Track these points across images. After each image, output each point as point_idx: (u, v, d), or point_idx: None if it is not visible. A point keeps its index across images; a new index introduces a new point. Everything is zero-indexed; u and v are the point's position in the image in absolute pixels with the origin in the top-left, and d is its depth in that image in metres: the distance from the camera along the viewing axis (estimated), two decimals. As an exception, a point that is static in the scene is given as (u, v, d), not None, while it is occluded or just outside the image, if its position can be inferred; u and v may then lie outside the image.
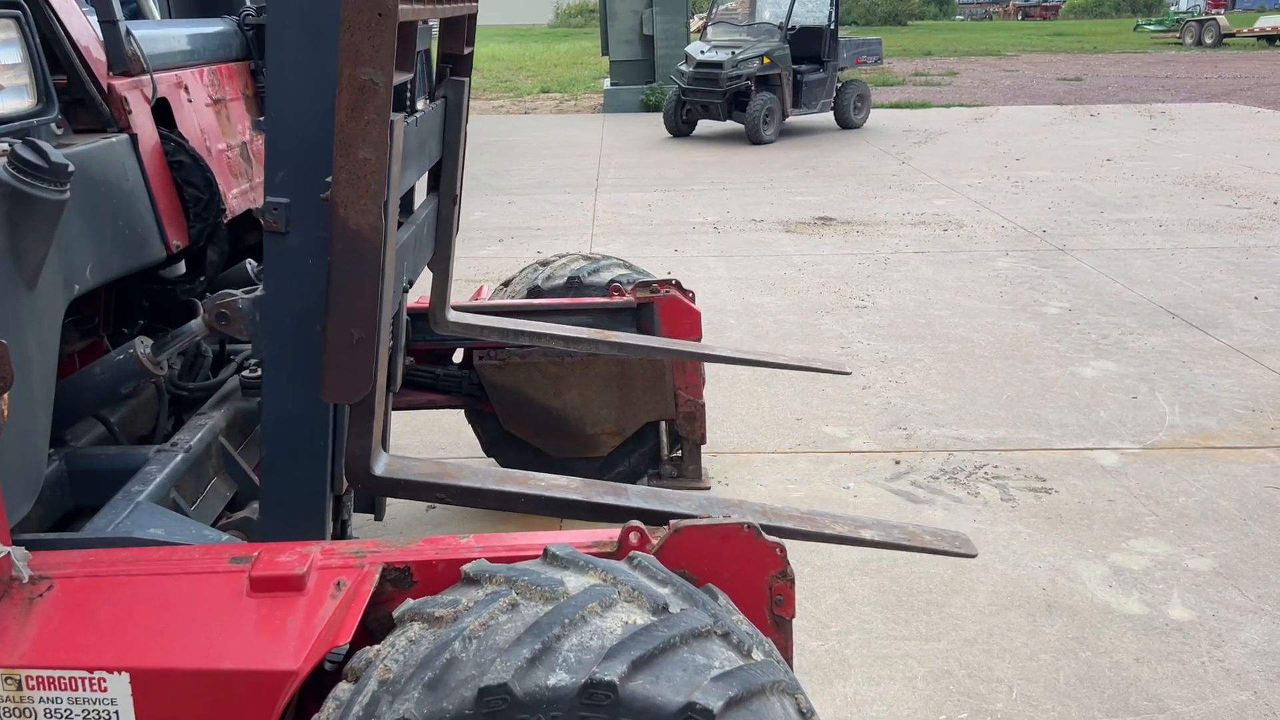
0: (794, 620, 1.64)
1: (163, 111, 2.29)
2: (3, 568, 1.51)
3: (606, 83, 17.84)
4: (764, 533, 1.58)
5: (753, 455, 4.02)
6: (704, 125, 13.71)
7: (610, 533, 1.62)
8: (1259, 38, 29.97)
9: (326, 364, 1.67)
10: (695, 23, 18.67)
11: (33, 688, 1.43)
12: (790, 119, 13.27)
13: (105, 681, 1.42)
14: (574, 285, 3.41)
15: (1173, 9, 37.95)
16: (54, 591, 1.52)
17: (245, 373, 2.46)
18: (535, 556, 1.52)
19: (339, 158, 1.54)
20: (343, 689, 1.37)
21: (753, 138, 12.63)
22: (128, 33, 2.16)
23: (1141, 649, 2.79)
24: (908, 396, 4.57)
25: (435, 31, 2.39)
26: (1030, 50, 30.16)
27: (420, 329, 3.10)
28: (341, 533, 2.21)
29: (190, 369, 2.62)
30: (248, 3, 2.84)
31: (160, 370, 2.15)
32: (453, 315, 2.82)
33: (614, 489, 1.89)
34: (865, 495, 3.68)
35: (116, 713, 1.42)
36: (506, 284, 3.65)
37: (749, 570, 1.58)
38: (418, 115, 2.03)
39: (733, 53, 12.59)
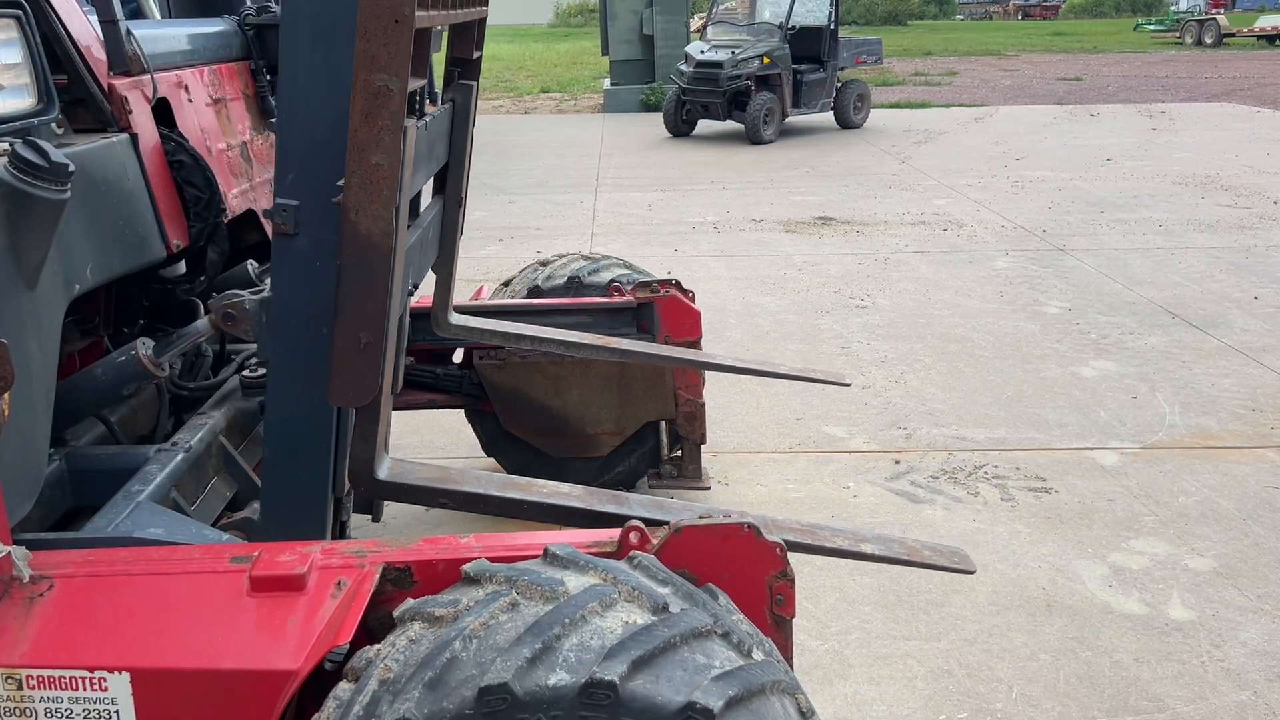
0: (794, 620, 1.64)
1: (163, 111, 2.29)
2: (3, 567, 1.51)
3: (606, 82, 17.84)
4: (763, 532, 1.58)
5: (753, 455, 4.02)
6: (704, 125, 13.71)
7: (610, 533, 1.62)
8: (1259, 37, 29.96)
9: (334, 368, 1.67)
10: (695, 22, 18.68)
11: (33, 687, 1.43)
12: (790, 119, 13.28)
13: (106, 681, 1.42)
14: (574, 285, 3.41)
15: (1173, 9, 37.97)
16: (54, 591, 1.52)
17: (245, 372, 2.46)
18: (535, 556, 1.52)
19: (352, 163, 1.55)
20: (343, 688, 1.37)
21: (752, 137, 12.63)
22: (128, 32, 2.16)
23: (1141, 649, 2.79)
24: (907, 396, 4.57)
25: (444, 36, 2.39)
26: (1030, 50, 30.16)
27: (421, 329, 3.10)
28: (340, 534, 2.21)
29: (190, 368, 2.62)
30: (248, 2, 2.84)
31: (162, 372, 2.15)
32: (455, 318, 2.83)
33: (615, 497, 1.90)
34: (865, 495, 3.68)
35: (117, 712, 1.42)
36: (507, 284, 3.66)
37: (749, 570, 1.58)
38: (427, 119, 2.03)
39: (733, 52, 12.59)
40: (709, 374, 3.55)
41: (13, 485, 1.62)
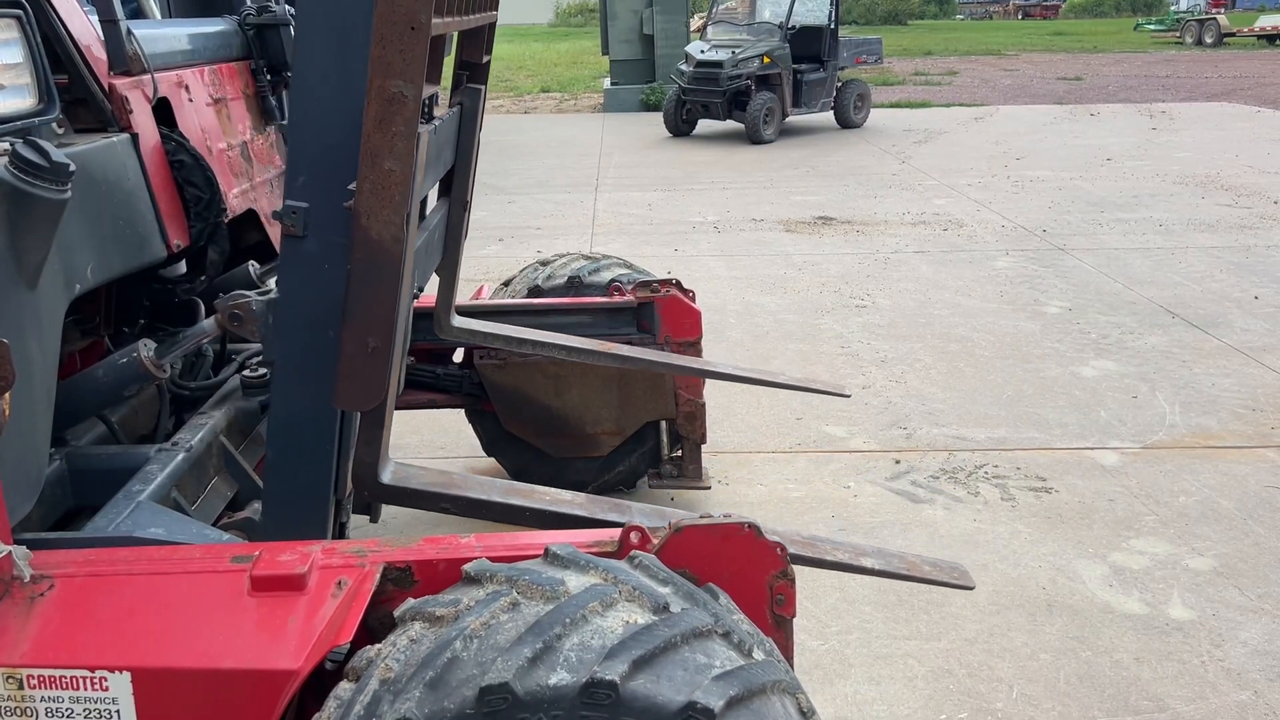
0: (794, 619, 1.64)
1: (163, 111, 2.29)
2: (4, 567, 1.51)
3: (606, 82, 17.84)
4: (764, 532, 1.58)
5: (753, 455, 4.02)
6: (704, 125, 13.71)
7: (611, 533, 1.62)
8: (1259, 37, 29.96)
9: (341, 372, 1.67)
10: (695, 22, 18.68)
11: (34, 687, 1.43)
12: (790, 118, 13.28)
13: (106, 681, 1.42)
14: (574, 285, 3.41)
15: (1173, 8, 37.97)
16: (55, 591, 1.52)
17: (246, 372, 2.46)
18: (536, 556, 1.52)
19: (364, 168, 1.55)
20: (344, 688, 1.37)
21: (753, 137, 12.63)
22: (129, 32, 2.16)
23: (1142, 648, 2.79)
24: (908, 396, 4.57)
25: (454, 41, 2.39)
26: (1030, 50, 30.16)
27: (422, 329, 3.10)
28: (340, 534, 2.21)
29: (191, 368, 2.62)
30: (248, 2, 2.84)
31: (163, 373, 2.15)
32: (457, 320, 2.83)
33: (617, 505, 1.92)
34: (865, 495, 3.68)
35: (118, 712, 1.42)
36: (507, 283, 3.66)
37: (750, 570, 1.59)
38: (436, 123, 2.03)
39: (733, 52, 12.59)
40: (709, 374, 3.55)
41: (14, 485, 1.62)
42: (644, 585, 1.42)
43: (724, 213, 8.68)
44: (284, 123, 2.90)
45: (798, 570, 1.63)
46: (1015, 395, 4.56)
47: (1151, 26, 36.46)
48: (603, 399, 3.38)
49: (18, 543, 1.56)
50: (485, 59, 2.36)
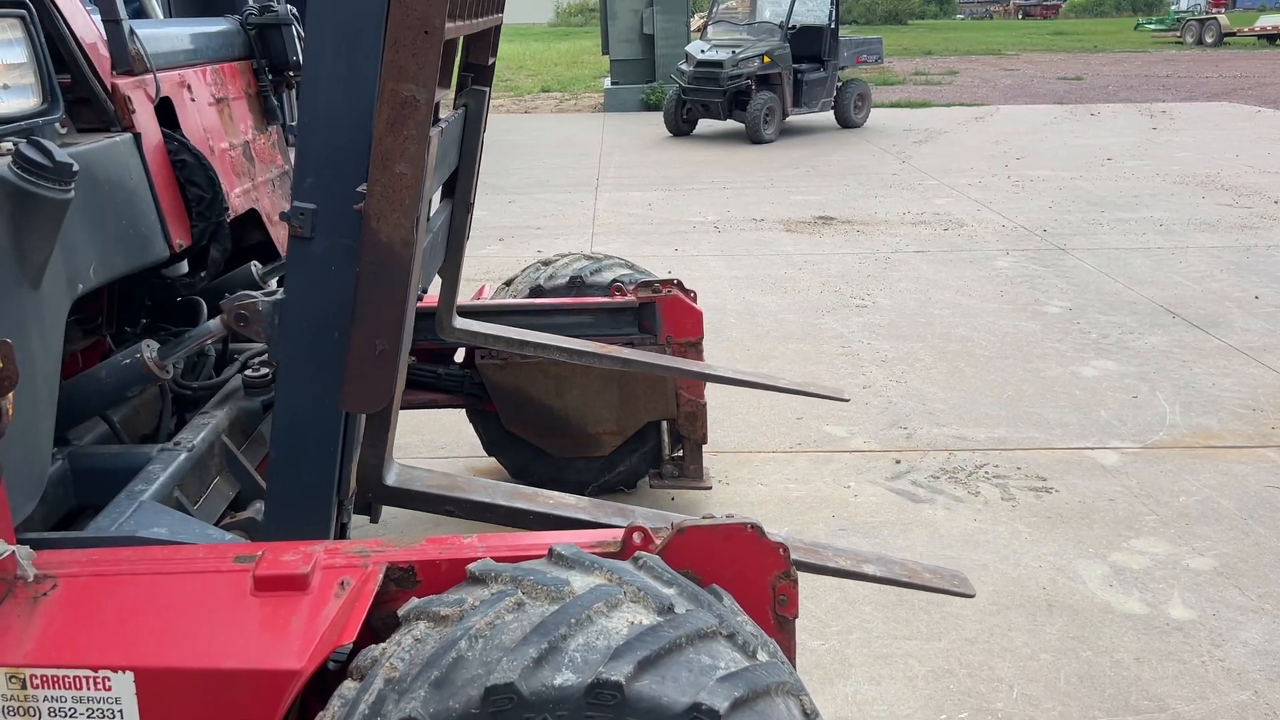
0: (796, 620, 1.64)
1: (166, 111, 2.29)
2: (7, 567, 1.51)
3: (607, 82, 17.84)
4: (766, 533, 1.59)
5: (753, 454, 4.02)
6: (704, 124, 13.71)
7: (614, 533, 1.62)
8: (1259, 37, 29.97)
9: (348, 374, 1.68)
10: (695, 22, 18.68)
11: (37, 686, 1.43)
12: (790, 118, 13.28)
13: (109, 680, 1.42)
14: (576, 285, 3.41)
15: (1173, 8, 37.96)
16: (58, 590, 1.53)
17: (248, 372, 2.46)
18: (539, 556, 1.52)
19: (375, 171, 1.55)
20: (348, 687, 1.37)
21: (753, 137, 12.63)
22: (131, 32, 2.16)
23: (1142, 648, 2.79)
24: (908, 396, 4.57)
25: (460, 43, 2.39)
26: (1031, 49, 30.16)
27: (423, 329, 3.11)
28: (341, 535, 2.21)
29: (193, 368, 2.62)
30: (250, 2, 2.84)
31: (166, 374, 2.15)
32: (459, 322, 2.84)
33: (621, 509, 1.93)
34: (866, 494, 3.68)
35: (120, 711, 1.43)
36: (508, 283, 3.66)
37: (752, 570, 1.59)
38: (442, 126, 2.04)
39: (733, 52, 12.59)
40: (710, 375, 3.55)
41: (16, 484, 1.62)
42: (649, 586, 1.42)
43: (724, 212, 8.68)
44: (291, 123, 2.91)
45: (798, 572, 1.63)
46: (1015, 395, 4.56)
47: (1152, 26, 36.47)
48: (604, 399, 3.38)
49: (21, 542, 1.57)
50: (490, 61, 2.36)
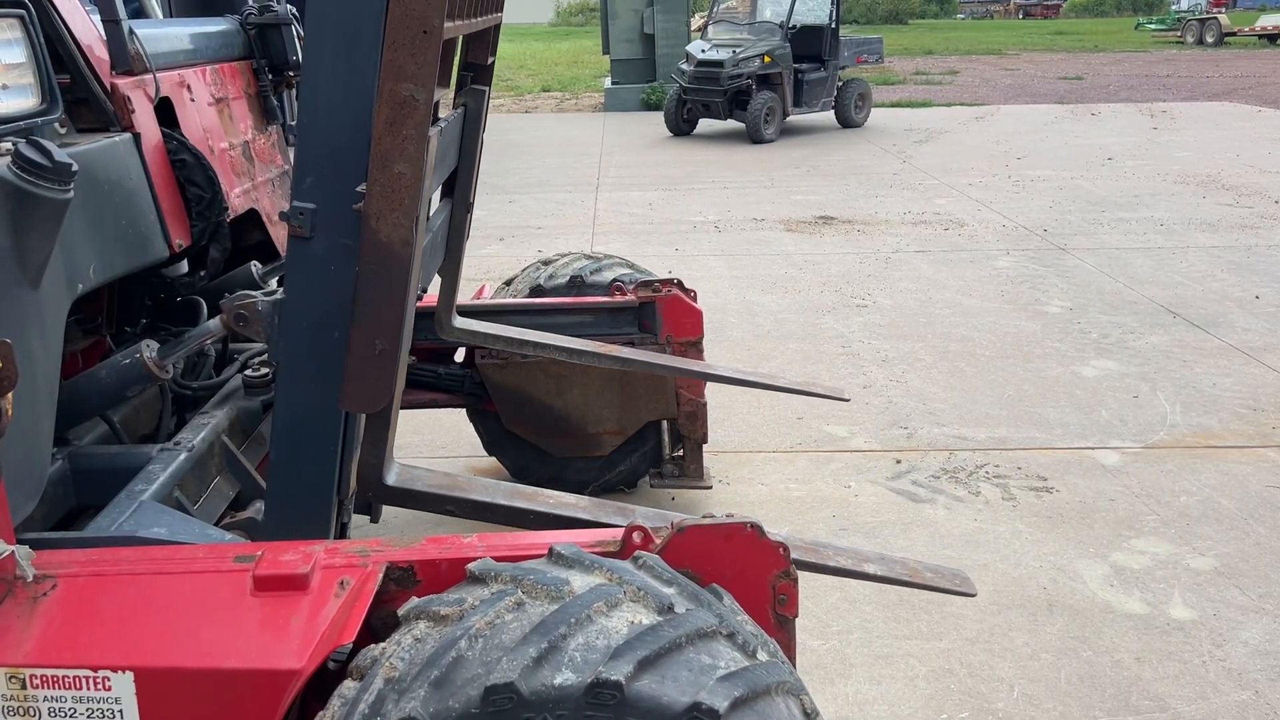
0: (796, 619, 1.64)
1: (165, 111, 2.29)
2: (7, 567, 1.51)
3: (607, 81, 17.84)
4: (766, 532, 1.59)
5: (754, 454, 4.02)
6: (705, 124, 13.71)
7: (614, 532, 1.62)
8: (1260, 37, 29.96)
9: (348, 374, 1.67)
10: (696, 21, 18.68)
11: (37, 686, 1.43)
12: (791, 118, 13.28)
13: (109, 680, 1.42)
14: (576, 284, 3.41)
15: (1174, 8, 37.93)
16: (58, 590, 1.53)
17: (248, 372, 2.46)
18: (539, 556, 1.52)
19: (374, 170, 1.55)
20: (348, 687, 1.37)
21: (754, 137, 12.63)
22: (131, 32, 2.16)
23: (1143, 648, 2.79)
24: (909, 395, 4.57)
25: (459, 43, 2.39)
26: (1031, 49, 30.16)
27: (423, 329, 3.10)
28: (341, 535, 2.21)
29: (193, 368, 2.62)
30: (250, 2, 2.84)
31: (166, 374, 2.15)
32: (459, 321, 2.84)
33: (621, 509, 1.93)
34: (866, 494, 3.68)
35: (120, 711, 1.42)
36: (509, 283, 3.66)
37: (752, 570, 1.59)
38: (441, 125, 2.03)
39: (734, 51, 12.59)
40: (711, 374, 3.55)
41: (16, 484, 1.62)
42: (649, 585, 1.42)
43: (725, 212, 8.68)
44: (290, 123, 2.91)
45: (798, 571, 1.63)
46: (1016, 395, 4.56)
47: (1152, 26, 36.45)
48: (604, 399, 3.38)
49: (20, 542, 1.57)
50: (490, 60, 2.36)
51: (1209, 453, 3.97)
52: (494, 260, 7.02)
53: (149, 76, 2.20)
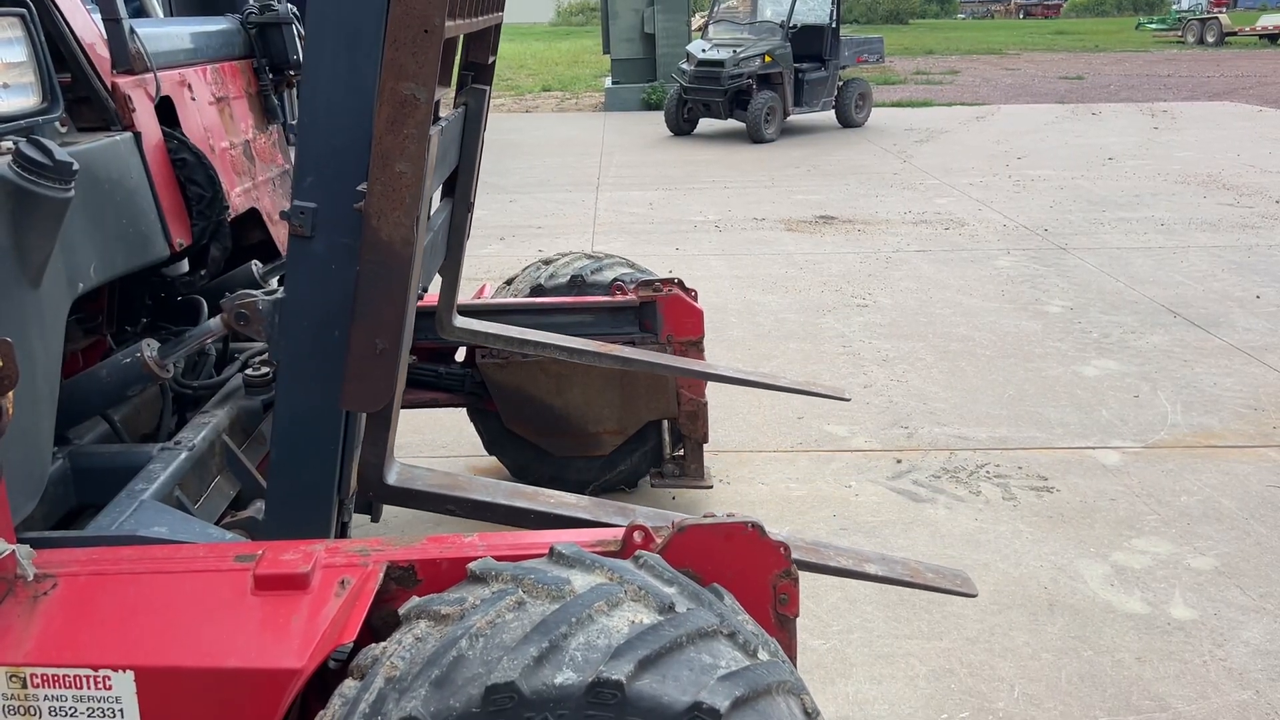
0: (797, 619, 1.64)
1: (166, 110, 2.29)
2: (7, 566, 1.51)
3: (608, 81, 17.84)
4: (767, 532, 1.58)
5: (754, 454, 4.02)
6: (705, 124, 13.71)
7: (614, 532, 1.62)
8: (1261, 36, 29.96)
9: (348, 373, 1.67)
10: (696, 21, 18.67)
11: (37, 685, 1.43)
12: (791, 117, 13.28)
13: (110, 679, 1.42)
14: (577, 284, 3.41)
15: (1175, 8, 37.90)
16: (58, 589, 1.52)
17: (249, 371, 2.46)
18: (540, 555, 1.52)
19: (375, 170, 1.55)
20: (349, 686, 1.37)
21: (754, 136, 12.63)
22: (131, 31, 2.16)
23: (1143, 648, 2.79)
24: (909, 395, 4.57)
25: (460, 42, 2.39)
26: (1032, 49, 30.15)
27: (424, 328, 3.10)
28: (342, 534, 2.21)
29: (193, 367, 2.62)
30: (250, 1, 2.84)
31: (166, 373, 2.15)
32: (459, 321, 2.84)
33: (621, 508, 1.92)
34: (867, 494, 3.68)
35: (121, 710, 1.42)
36: (509, 282, 3.66)
37: (752, 569, 1.59)
38: (442, 124, 2.03)
39: (734, 51, 12.59)
40: (711, 374, 3.55)
41: (17, 483, 1.62)
42: (649, 585, 1.42)
43: (725, 212, 8.68)
44: (290, 122, 2.90)
45: (799, 571, 1.63)
46: (1017, 394, 4.56)
47: (1153, 26, 36.45)
48: (604, 398, 3.38)
49: (21, 541, 1.57)
50: (490, 60, 2.36)
51: (1210, 452, 3.97)
52: (494, 260, 7.02)
53: (150, 75, 2.20)
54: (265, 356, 2.54)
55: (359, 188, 1.63)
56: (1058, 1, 55.03)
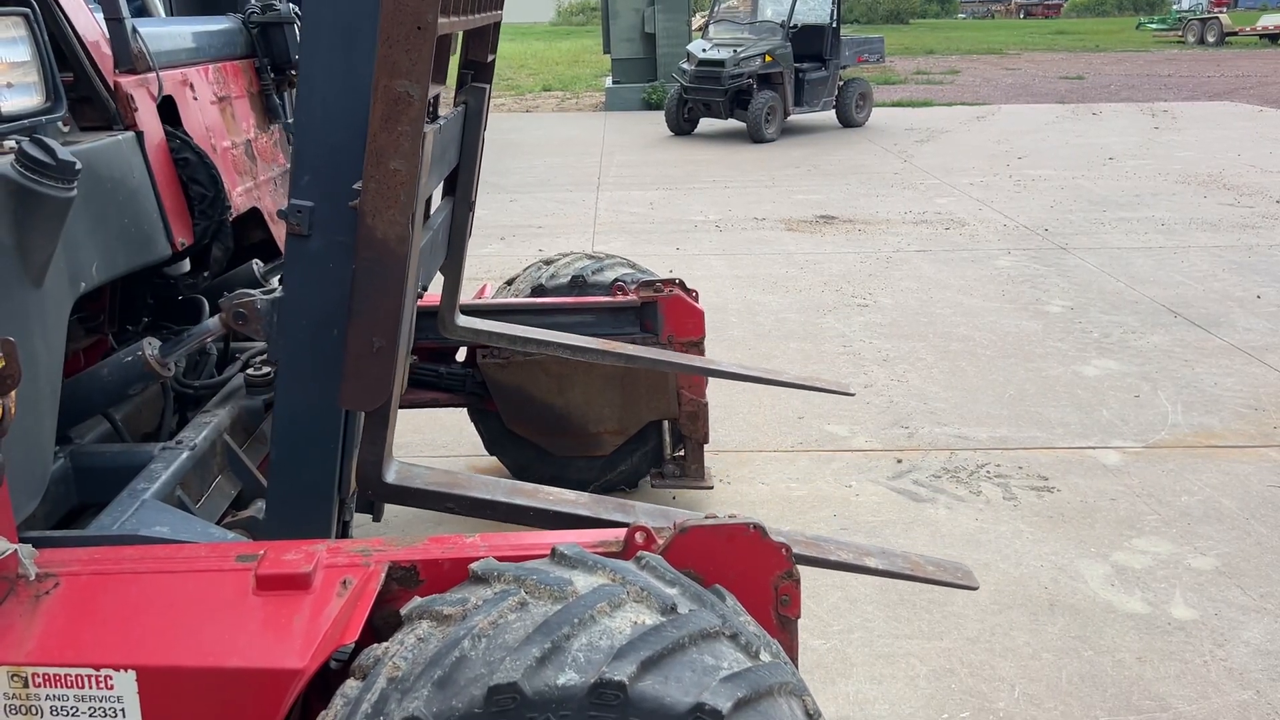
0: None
1: (168, 109, 2.29)
2: (9, 565, 1.51)
3: (608, 81, 17.84)
4: (768, 533, 1.58)
5: (755, 454, 4.02)
6: (705, 123, 13.71)
7: (616, 533, 1.62)
8: (1261, 36, 29.95)
9: (346, 372, 1.67)
10: (697, 20, 18.67)
11: (39, 685, 1.43)
12: (792, 117, 13.27)
13: (111, 679, 1.42)
14: (578, 284, 3.41)
15: (1175, 7, 37.90)
16: (60, 589, 1.52)
17: (250, 371, 2.46)
18: (541, 556, 1.52)
19: (370, 167, 1.55)
20: (351, 686, 1.37)
21: (754, 136, 12.62)
22: (134, 30, 2.16)
23: (1144, 648, 2.79)
24: (909, 395, 4.57)
25: (459, 40, 2.38)
26: (1032, 48, 30.14)
27: (424, 328, 3.10)
28: (343, 533, 2.21)
29: (195, 366, 2.62)
30: (252, 1, 2.84)
31: (168, 372, 2.15)
32: (461, 320, 2.83)
33: (621, 505, 1.92)
34: (867, 494, 3.68)
35: (123, 710, 1.42)
36: (510, 282, 3.66)
37: (754, 570, 1.58)
38: (440, 123, 2.03)
39: (734, 51, 12.58)
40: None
41: (18, 483, 1.62)
42: (652, 586, 1.42)
43: (725, 211, 8.68)
44: (289, 121, 2.90)
45: (800, 569, 1.62)
46: (1017, 394, 4.56)
47: (1154, 25, 36.42)
48: (605, 398, 3.38)
49: (23, 541, 1.56)
50: (490, 58, 2.35)
51: (1210, 452, 3.97)
52: (495, 260, 7.02)
53: (152, 75, 2.20)
54: (266, 356, 2.54)
55: (355, 186, 1.63)
56: (1058, 1, 55.01)
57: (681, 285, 3.28)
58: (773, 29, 12.97)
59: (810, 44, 13.13)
